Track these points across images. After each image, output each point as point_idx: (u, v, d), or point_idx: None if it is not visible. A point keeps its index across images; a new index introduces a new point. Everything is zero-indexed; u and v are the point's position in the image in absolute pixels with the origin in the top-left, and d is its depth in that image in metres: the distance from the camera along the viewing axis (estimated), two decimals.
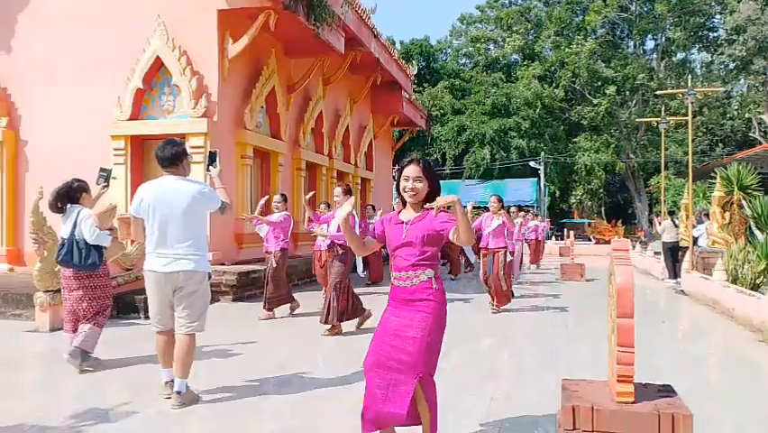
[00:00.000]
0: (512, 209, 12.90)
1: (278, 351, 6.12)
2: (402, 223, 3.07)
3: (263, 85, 11.37)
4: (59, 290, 7.02)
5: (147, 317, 7.53)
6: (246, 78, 11.13)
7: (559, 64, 39.03)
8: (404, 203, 3.14)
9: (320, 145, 14.42)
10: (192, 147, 9.89)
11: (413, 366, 2.92)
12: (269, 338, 6.77)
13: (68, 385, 4.78)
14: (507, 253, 8.76)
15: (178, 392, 4.14)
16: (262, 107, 11.66)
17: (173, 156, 4.24)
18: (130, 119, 10.22)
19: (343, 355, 5.84)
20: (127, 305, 7.90)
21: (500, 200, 8.90)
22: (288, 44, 12.26)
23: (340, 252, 6.96)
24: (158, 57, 10.11)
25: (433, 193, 3.07)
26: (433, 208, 2.95)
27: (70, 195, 5.34)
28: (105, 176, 5.52)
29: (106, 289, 5.45)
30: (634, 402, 2.85)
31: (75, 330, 5.25)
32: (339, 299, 6.74)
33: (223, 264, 9.73)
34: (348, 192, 6.76)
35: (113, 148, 10.26)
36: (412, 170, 3.04)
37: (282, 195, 8.33)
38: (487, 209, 9.07)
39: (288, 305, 8.16)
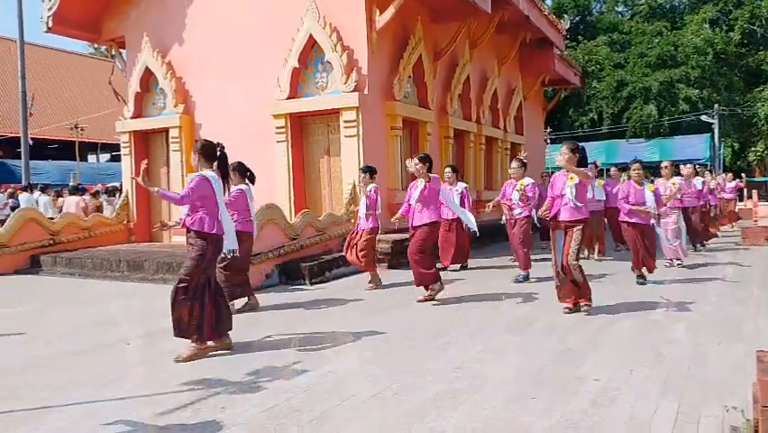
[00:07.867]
0: (686, 167, 11.42)
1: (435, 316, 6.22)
2: None
3: (410, 54, 11.39)
4: None
5: (313, 283, 8.17)
6: (394, 49, 11.23)
7: (734, 4, 34.61)
8: None
9: (467, 111, 14.20)
10: (345, 121, 10.30)
11: None
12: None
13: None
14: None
15: None
16: (410, 77, 11.70)
17: None
18: (288, 98, 10.82)
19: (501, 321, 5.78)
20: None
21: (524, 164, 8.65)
22: (434, 10, 12.14)
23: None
24: (311, 35, 10.53)
25: None
26: None
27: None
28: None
29: None
30: None
31: None
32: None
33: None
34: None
35: (275, 126, 10.96)
36: None
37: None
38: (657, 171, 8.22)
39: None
